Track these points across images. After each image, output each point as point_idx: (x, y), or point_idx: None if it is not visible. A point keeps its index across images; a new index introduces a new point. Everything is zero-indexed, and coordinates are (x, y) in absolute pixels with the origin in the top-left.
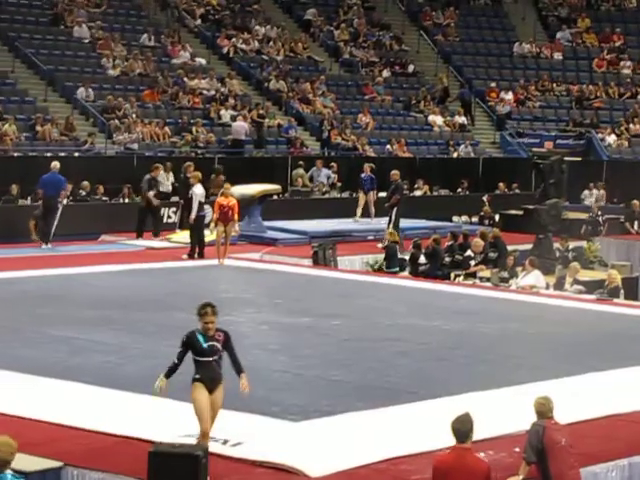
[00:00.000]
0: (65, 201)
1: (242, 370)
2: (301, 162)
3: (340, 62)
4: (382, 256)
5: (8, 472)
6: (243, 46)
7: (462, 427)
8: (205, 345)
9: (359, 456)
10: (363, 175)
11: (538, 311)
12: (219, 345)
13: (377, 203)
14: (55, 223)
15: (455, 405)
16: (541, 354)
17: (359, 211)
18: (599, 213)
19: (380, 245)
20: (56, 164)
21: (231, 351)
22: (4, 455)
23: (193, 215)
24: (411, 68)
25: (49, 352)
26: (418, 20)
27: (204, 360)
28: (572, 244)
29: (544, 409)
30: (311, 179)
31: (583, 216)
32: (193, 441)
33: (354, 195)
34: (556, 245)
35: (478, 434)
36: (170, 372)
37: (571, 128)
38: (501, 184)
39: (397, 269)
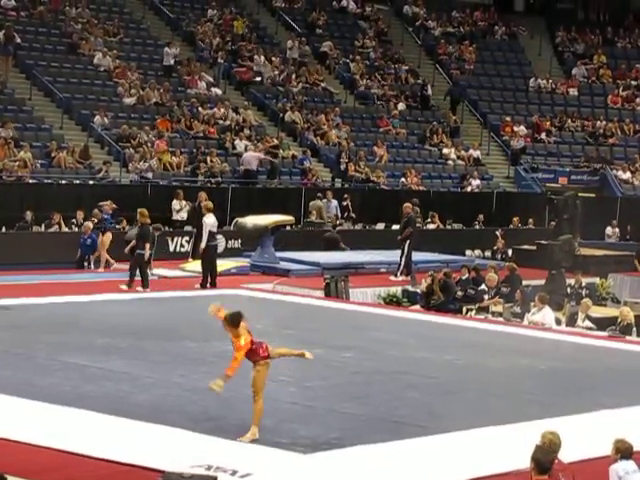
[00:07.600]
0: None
1: None
2: (319, 194)
3: (355, 94)
4: (395, 289)
5: None
6: (259, 77)
7: (544, 458)
8: None
9: None
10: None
11: (549, 347)
12: None
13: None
14: None
15: (464, 439)
16: (551, 390)
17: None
18: None
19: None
20: None
21: None
22: None
23: (203, 244)
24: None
25: (61, 379)
26: (434, 54)
27: None
28: (585, 280)
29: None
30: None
31: (598, 253)
32: (202, 471)
33: (367, 227)
34: (570, 281)
35: (488, 469)
36: None
37: (585, 164)
38: (515, 219)
39: None
